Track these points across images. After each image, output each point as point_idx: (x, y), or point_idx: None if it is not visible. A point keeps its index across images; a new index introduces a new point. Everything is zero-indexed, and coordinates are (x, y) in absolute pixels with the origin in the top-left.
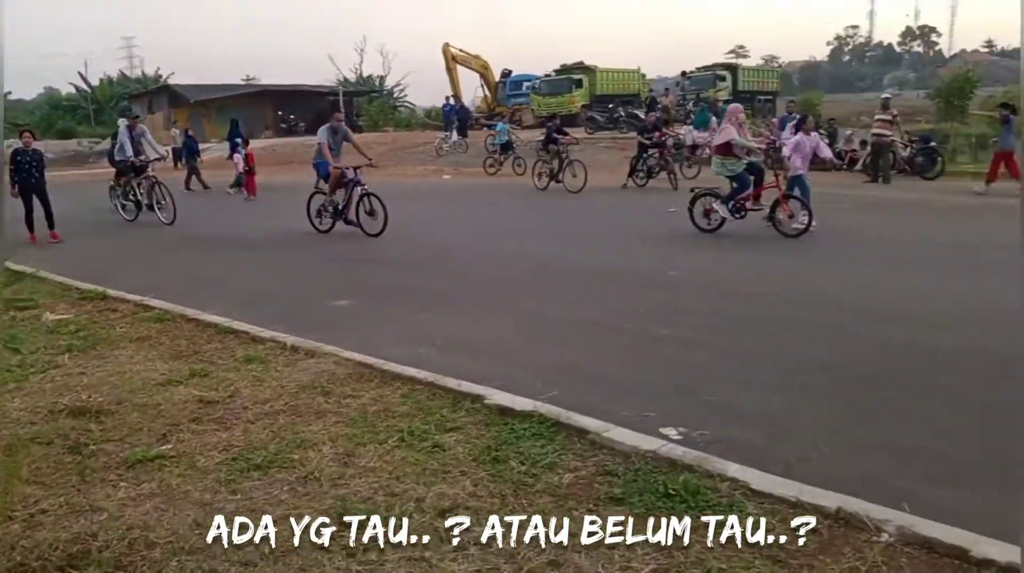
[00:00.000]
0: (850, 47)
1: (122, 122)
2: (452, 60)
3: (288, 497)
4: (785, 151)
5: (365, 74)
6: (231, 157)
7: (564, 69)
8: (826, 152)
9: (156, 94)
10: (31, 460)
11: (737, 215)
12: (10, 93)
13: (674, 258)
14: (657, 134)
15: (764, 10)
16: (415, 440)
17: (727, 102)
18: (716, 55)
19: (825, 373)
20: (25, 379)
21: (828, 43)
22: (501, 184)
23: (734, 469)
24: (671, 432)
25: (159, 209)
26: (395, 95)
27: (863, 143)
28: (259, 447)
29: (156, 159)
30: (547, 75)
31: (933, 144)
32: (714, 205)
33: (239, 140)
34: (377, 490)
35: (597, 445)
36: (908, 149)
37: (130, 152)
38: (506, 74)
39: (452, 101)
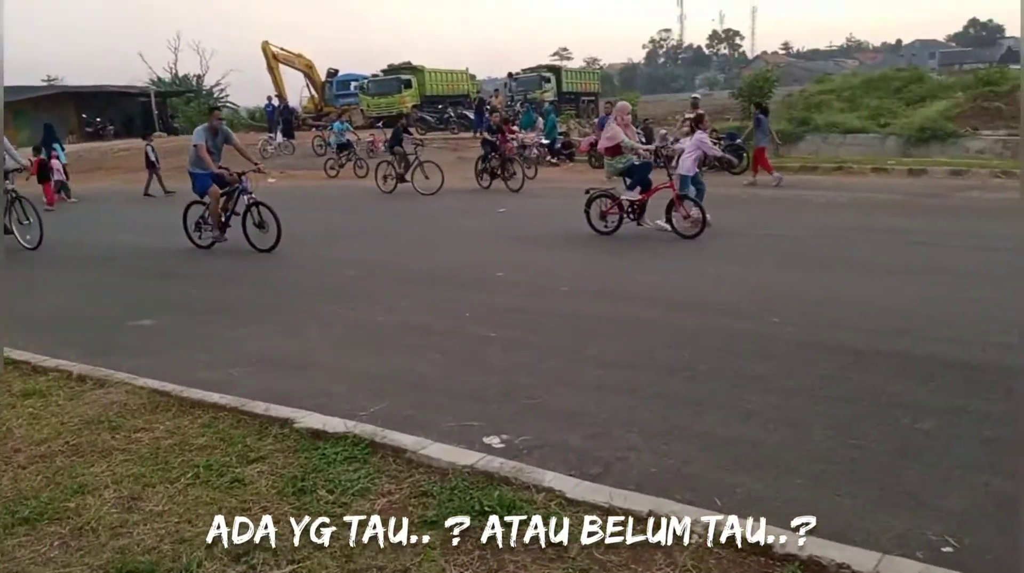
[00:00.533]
0: (664, 50)
1: None
2: (273, 59)
3: (59, 554)
4: (686, 150)
5: (181, 73)
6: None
7: (392, 69)
8: (714, 151)
9: None
10: None
11: (632, 218)
12: None
13: (506, 258)
14: (500, 135)
15: (585, 14)
16: (212, 476)
17: (552, 103)
18: (542, 57)
19: (645, 369)
20: None
21: (644, 46)
22: (342, 186)
23: (550, 478)
24: (494, 440)
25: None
26: (215, 95)
27: (675, 141)
28: (29, 497)
29: (16, 169)
30: (375, 75)
31: (739, 141)
32: (622, 197)
33: (56, 145)
34: (164, 537)
35: (414, 464)
36: (716, 145)
37: None
38: (332, 73)
39: (275, 101)
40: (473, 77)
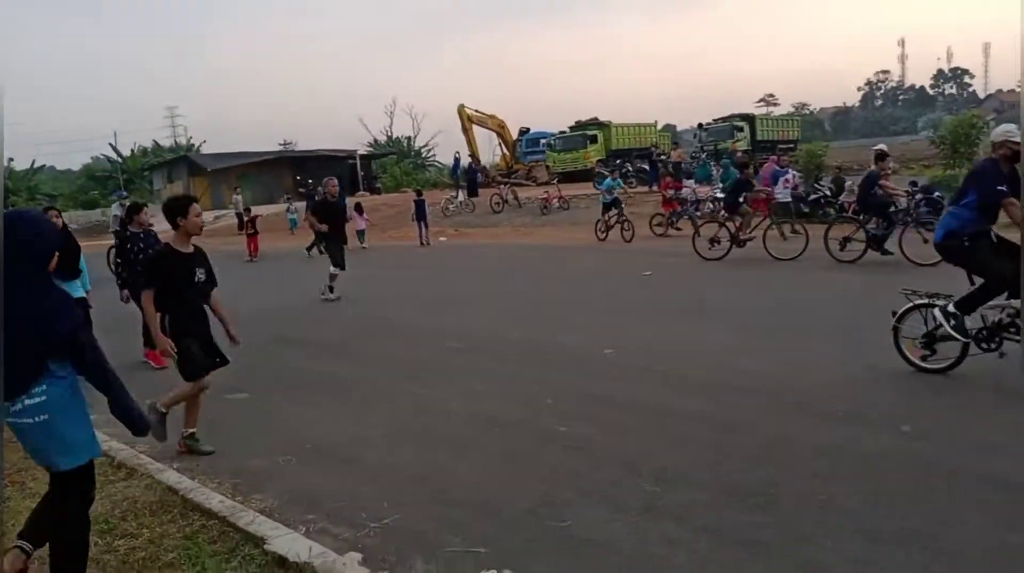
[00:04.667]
0: (882, 91)
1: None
2: (468, 121)
3: None
4: None
5: (395, 135)
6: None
7: (579, 125)
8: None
9: (175, 164)
10: None
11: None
12: (12, 160)
13: (624, 331)
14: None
15: (794, 59)
16: None
17: (745, 152)
18: (746, 105)
19: (708, 488)
20: None
21: (859, 88)
22: (606, 250)
23: None
24: None
25: None
26: (423, 155)
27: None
28: None
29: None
30: (562, 132)
31: (938, 195)
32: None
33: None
34: None
35: None
36: (909, 199)
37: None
38: (523, 132)
39: (464, 160)
40: (673, 128)
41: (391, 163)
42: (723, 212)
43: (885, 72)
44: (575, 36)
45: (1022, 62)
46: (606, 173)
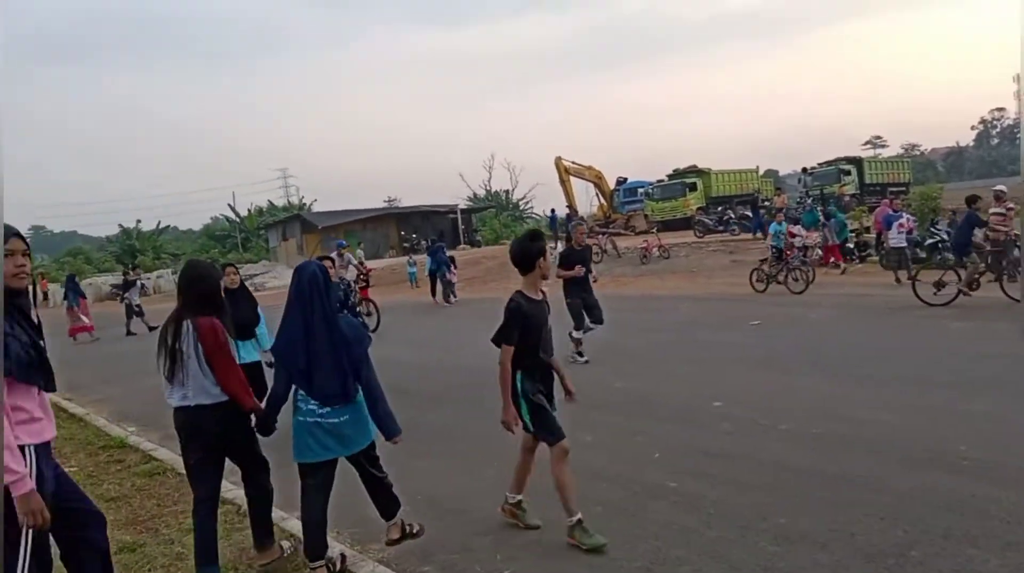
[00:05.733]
0: (997, 130)
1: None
2: (565, 172)
3: None
4: None
5: (494, 189)
6: (71, 308)
7: (677, 173)
8: None
9: (289, 222)
10: None
11: None
12: (140, 221)
13: (734, 383)
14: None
15: (902, 99)
16: None
17: (854, 197)
18: (853, 148)
19: (836, 548)
20: None
21: (972, 127)
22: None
23: None
24: None
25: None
26: (521, 208)
27: (986, 238)
28: None
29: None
30: (660, 180)
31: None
32: None
33: (72, 293)
34: None
35: None
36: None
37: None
38: (621, 182)
39: (559, 212)
40: (775, 174)
41: (490, 217)
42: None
43: (1000, 110)
44: (670, 83)
45: (1022, 63)
46: (708, 222)
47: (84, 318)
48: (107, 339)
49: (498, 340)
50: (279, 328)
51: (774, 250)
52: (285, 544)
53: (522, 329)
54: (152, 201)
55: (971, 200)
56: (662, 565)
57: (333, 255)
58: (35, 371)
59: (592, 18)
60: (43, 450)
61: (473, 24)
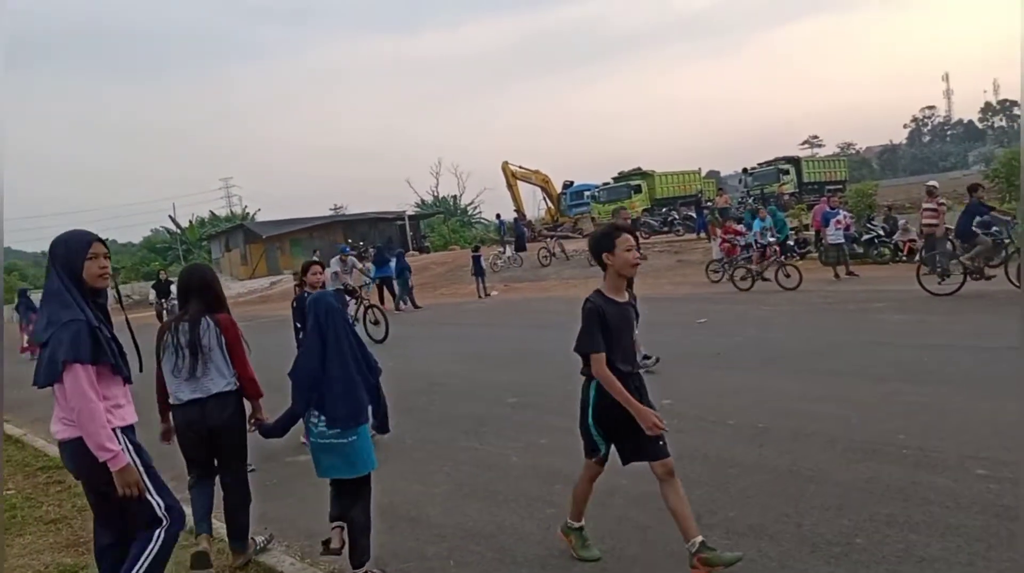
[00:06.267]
0: (928, 127)
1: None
2: (512, 177)
3: None
4: None
5: (441, 195)
6: (24, 325)
7: (622, 176)
8: None
9: (232, 232)
10: None
11: None
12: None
13: (683, 381)
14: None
15: (836, 99)
16: None
17: (793, 195)
18: (790, 148)
19: (783, 539)
20: None
21: (905, 125)
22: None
23: None
24: None
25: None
26: (469, 213)
27: (920, 233)
28: None
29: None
30: (605, 183)
31: (996, 230)
32: None
33: (24, 309)
34: None
35: None
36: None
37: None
38: (567, 185)
39: (509, 216)
40: (717, 174)
41: (438, 222)
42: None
43: (931, 108)
44: (612, 88)
45: (1022, 67)
46: (653, 223)
47: None
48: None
49: (583, 349)
50: (296, 358)
51: (758, 247)
52: (259, 538)
53: (605, 331)
54: (87, 215)
55: (972, 188)
56: (616, 563)
57: (335, 260)
58: (123, 362)
59: (539, 23)
60: (129, 432)
61: (423, 31)
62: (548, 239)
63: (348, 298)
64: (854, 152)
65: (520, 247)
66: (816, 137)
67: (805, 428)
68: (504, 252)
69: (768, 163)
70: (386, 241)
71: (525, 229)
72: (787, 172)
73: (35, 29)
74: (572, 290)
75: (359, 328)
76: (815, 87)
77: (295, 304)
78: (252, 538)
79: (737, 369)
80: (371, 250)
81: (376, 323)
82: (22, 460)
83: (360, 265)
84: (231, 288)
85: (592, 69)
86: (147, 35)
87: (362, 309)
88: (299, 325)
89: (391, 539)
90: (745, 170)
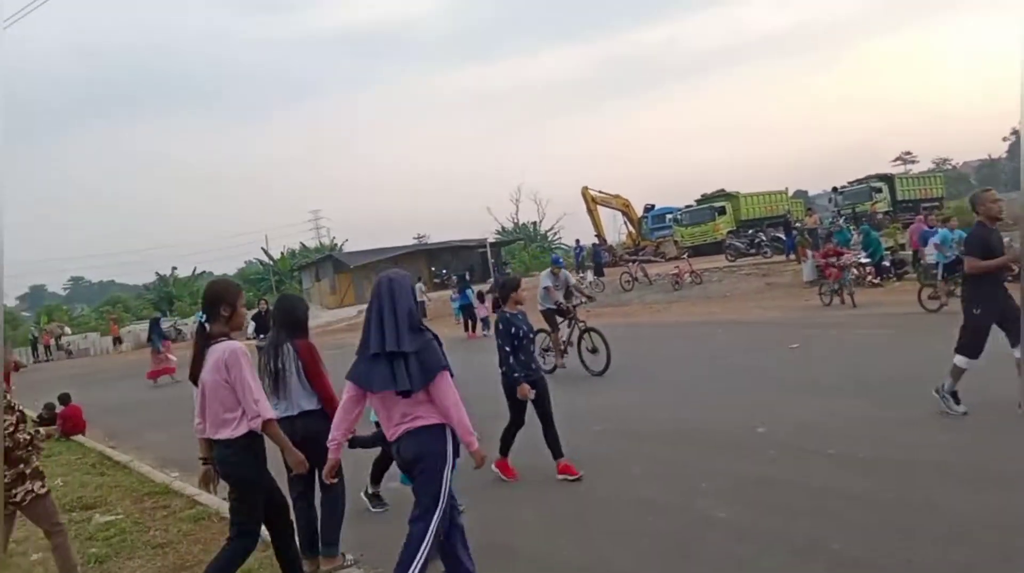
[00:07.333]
0: None
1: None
2: (592, 202)
3: None
4: None
5: (521, 221)
6: (156, 351)
7: (706, 198)
8: None
9: (321, 263)
10: None
11: None
12: (176, 268)
13: (776, 408)
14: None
15: (929, 114)
16: None
17: (887, 214)
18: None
19: None
20: None
21: (1004, 138)
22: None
23: None
24: None
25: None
26: (549, 239)
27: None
28: None
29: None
30: (688, 206)
31: None
32: None
33: (156, 336)
34: None
35: None
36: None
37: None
38: (649, 208)
39: (589, 241)
40: (804, 194)
41: (519, 248)
42: None
43: None
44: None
45: (1022, 71)
46: (739, 245)
47: (172, 357)
48: (164, 383)
49: None
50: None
51: (944, 266)
52: (349, 556)
53: None
54: (187, 248)
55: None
56: None
57: (545, 274)
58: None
59: (614, 48)
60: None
61: (501, 59)
62: (630, 263)
63: (560, 318)
64: (950, 167)
65: (599, 272)
66: (909, 153)
67: (912, 458)
68: (586, 277)
69: (859, 181)
70: (468, 268)
71: (605, 254)
72: (880, 190)
73: (145, 82)
74: (657, 315)
75: (571, 355)
76: (906, 102)
77: (499, 326)
78: (343, 553)
79: (832, 396)
80: (454, 278)
81: (594, 351)
82: (129, 486)
83: (573, 280)
84: (321, 317)
85: (671, 90)
86: (244, 77)
87: (576, 332)
88: (508, 348)
89: (488, 571)
90: (835, 189)
